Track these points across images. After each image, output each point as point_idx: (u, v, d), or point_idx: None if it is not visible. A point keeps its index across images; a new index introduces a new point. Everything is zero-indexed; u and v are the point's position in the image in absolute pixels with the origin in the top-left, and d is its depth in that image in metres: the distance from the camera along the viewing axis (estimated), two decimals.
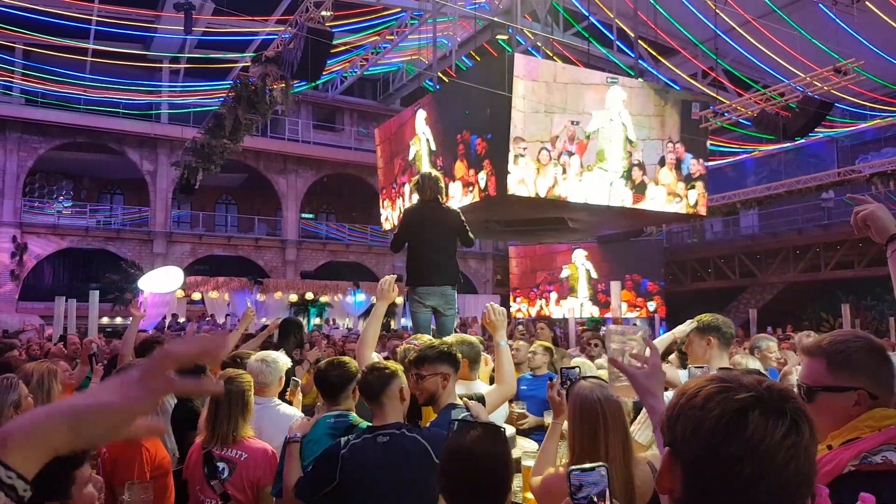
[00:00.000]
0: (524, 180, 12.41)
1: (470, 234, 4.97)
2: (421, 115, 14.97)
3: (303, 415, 3.65)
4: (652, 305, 22.26)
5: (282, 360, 3.69)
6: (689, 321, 3.42)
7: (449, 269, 4.85)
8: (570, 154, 12.96)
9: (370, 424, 2.67)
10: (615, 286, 9.66)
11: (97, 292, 8.94)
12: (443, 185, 4.99)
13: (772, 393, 0.86)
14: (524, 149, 12.28)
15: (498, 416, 3.21)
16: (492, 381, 3.49)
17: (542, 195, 12.68)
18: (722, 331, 3.27)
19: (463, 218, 5.02)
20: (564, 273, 23.32)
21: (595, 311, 22.50)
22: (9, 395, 2.63)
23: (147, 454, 3.00)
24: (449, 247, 4.88)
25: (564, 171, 12.85)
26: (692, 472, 0.84)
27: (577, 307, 21.63)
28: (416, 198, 5.00)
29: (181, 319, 18.62)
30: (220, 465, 2.89)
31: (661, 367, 1.68)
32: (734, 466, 0.81)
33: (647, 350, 1.69)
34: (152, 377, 0.83)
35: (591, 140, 13.13)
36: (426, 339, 3.55)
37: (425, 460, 2.44)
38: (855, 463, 1.53)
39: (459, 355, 2.86)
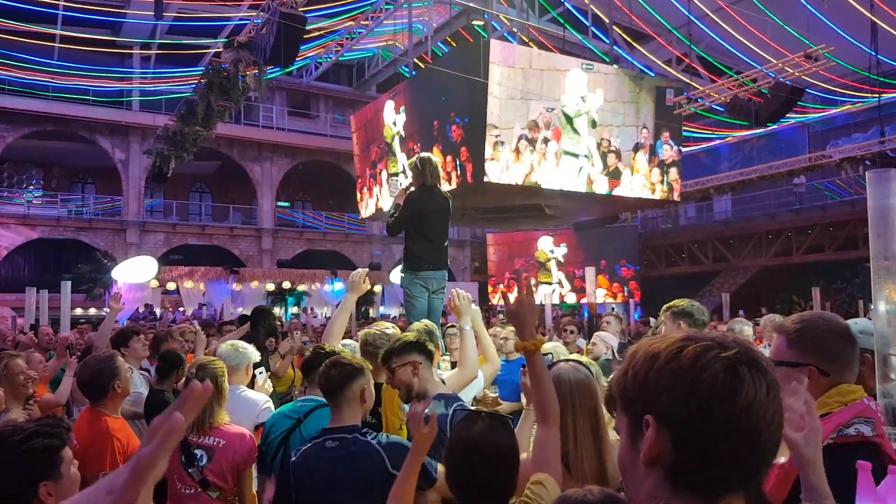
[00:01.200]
0: (501, 167, 12.43)
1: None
2: (389, 105, 15.05)
3: (269, 400, 3.65)
4: (626, 291, 22.48)
5: (252, 350, 3.69)
6: None
7: (446, 253, 5.02)
8: (547, 141, 13.01)
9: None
10: (590, 272, 9.72)
11: (69, 283, 8.79)
12: (439, 168, 5.03)
13: (748, 349, 0.86)
14: (497, 136, 12.29)
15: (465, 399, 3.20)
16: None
17: (520, 183, 12.72)
18: (694, 317, 3.32)
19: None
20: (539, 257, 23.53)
21: (572, 298, 22.68)
22: None
23: (118, 444, 2.99)
24: (447, 232, 5.03)
25: (544, 157, 12.90)
26: (685, 438, 0.82)
27: (550, 293, 21.77)
28: (405, 180, 5.05)
29: (156, 310, 18.42)
30: (198, 452, 2.89)
31: (820, 431, 1.33)
32: (732, 426, 0.81)
33: (801, 402, 1.33)
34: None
35: (563, 129, 13.19)
36: (386, 325, 3.55)
37: (378, 470, 2.28)
38: (833, 436, 1.62)
39: (431, 345, 2.77)
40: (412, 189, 4.97)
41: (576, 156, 13.34)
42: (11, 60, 20.68)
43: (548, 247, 23.37)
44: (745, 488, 0.83)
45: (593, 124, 13.50)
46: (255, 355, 3.74)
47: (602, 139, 13.68)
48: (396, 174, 14.85)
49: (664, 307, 3.49)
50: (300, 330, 7.99)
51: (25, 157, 24.23)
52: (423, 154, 5.07)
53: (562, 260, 23.11)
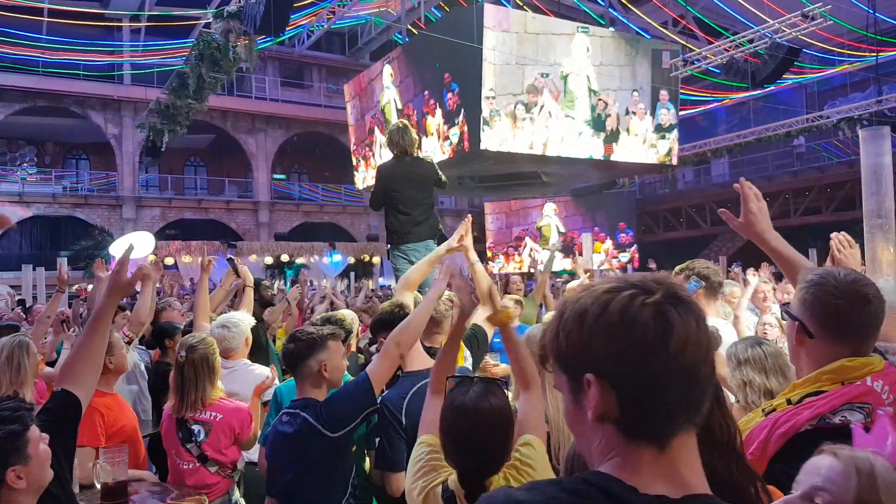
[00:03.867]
0: (497, 135, 12.34)
1: (443, 177, 4.93)
2: (387, 70, 14.76)
3: (270, 366, 3.66)
4: (625, 256, 22.49)
5: (244, 320, 3.65)
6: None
7: (430, 221, 4.79)
8: (543, 106, 12.90)
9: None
10: (587, 238, 9.74)
11: (65, 259, 8.79)
12: (413, 135, 4.88)
13: (670, 287, 0.85)
14: (493, 100, 12.17)
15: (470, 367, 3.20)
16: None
17: (517, 151, 12.64)
18: (710, 279, 3.22)
19: (435, 164, 4.98)
20: (541, 222, 23.43)
21: (567, 264, 22.69)
22: None
23: (101, 419, 2.96)
24: (427, 200, 4.83)
25: (541, 123, 12.79)
26: (628, 390, 0.82)
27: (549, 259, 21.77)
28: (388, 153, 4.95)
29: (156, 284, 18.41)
30: (196, 427, 2.90)
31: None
32: (672, 369, 0.81)
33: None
34: None
35: (562, 93, 13.06)
36: (344, 314, 3.55)
37: (315, 438, 2.28)
38: (813, 423, 1.50)
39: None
40: (383, 162, 4.89)
41: (573, 119, 13.24)
42: (0, 36, 20.39)
43: (549, 213, 23.27)
44: (692, 423, 0.85)
45: (592, 91, 13.38)
46: (250, 322, 3.71)
47: (599, 101, 13.57)
48: None
49: (677, 268, 3.39)
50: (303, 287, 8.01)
51: (18, 133, 24.03)
52: (397, 122, 4.98)
53: (563, 229, 23.03)
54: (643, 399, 0.82)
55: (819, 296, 1.57)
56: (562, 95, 13.08)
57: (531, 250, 22.91)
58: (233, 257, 4.89)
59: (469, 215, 3.64)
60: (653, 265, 16.30)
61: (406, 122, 5.04)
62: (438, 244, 4.77)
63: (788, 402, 1.57)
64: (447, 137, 12.92)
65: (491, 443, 1.76)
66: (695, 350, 0.82)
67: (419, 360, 2.62)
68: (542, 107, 12.84)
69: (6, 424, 1.75)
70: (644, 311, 0.81)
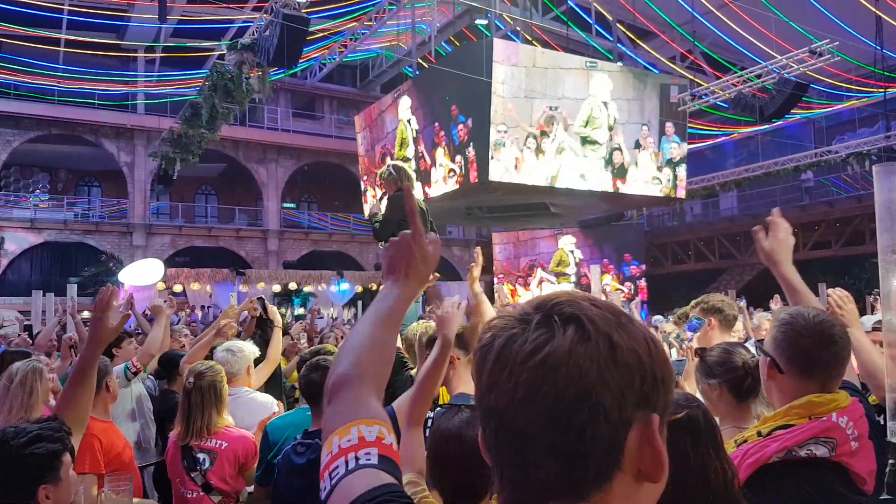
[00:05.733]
0: (505, 167, 12.41)
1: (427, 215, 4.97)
2: (405, 101, 14.81)
3: (276, 401, 3.65)
4: (633, 288, 22.39)
5: (248, 348, 3.66)
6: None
7: None
8: (553, 138, 12.98)
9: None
10: (595, 269, 9.74)
11: (75, 286, 8.83)
12: (410, 172, 5.04)
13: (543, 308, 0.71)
14: (504, 133, 12.26)
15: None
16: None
17: (526, 182, 12.70)
18: (724, 312, 3.23)
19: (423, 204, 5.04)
20: (554, 259, 23.30)
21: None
22: None
23: (99, 445, 2.93)
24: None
25: (551, 154, 12.86)
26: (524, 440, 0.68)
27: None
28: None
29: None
30: (201, 455, 2.89)
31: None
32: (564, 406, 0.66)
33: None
34: None
35: (571, 125, 13.15)
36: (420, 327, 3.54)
37: None
38: (780, 455, 1.56)
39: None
40: (394, 193, 4.85)
41: (594, 153, 13.30)
42: (17, 65, 20.78)
43: (569, 246, 23.18)
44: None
45: (610, 128, 13.51)
46: (253, 353, 3.72)
47: (611, 137, 13.68)
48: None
49: (692, 303, 3.38)
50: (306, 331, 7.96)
51: (32, 161, 24.33)
52: (394, 162, 5.05)
53: (581, 258, 22.86)
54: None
55: (788, 334, 1.68)
56: (573, 128, 13.16)
57: (541, 280, 22.86)
58: (262, 297, 4.89)
59: (478, 247, 3.68)
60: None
61: (400, 163, 5.13)
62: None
63: (759, 434, 1.64)
64: (454, 169, 13.01)
65: (471, 471, 1.73)
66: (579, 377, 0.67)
67: (465, 383, 2.62)
68: (553, 139, 12.91)
69: (48, 443, 1.80)
70: (523, 354, 0.69)
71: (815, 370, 1.65)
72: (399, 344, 3.20)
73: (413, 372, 3.25)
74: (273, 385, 4.01)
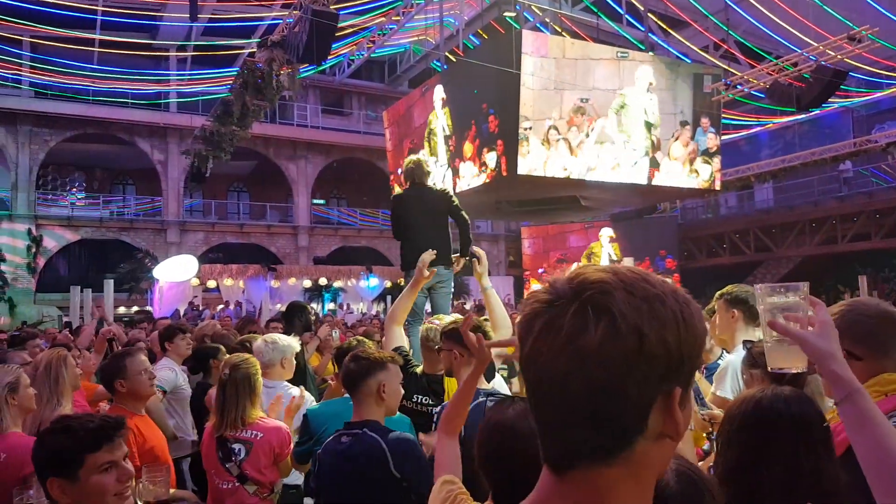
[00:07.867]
0: (535, 159, 12.30)
1: (462, 212, 5.02)
2: (439, 92, 14.57)
3: (312, 398, 3.64)
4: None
5: (283, 341, 3.61)
6: None
7: (443, 248, 4.78)
8: (587, 131, 12.83)
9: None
10: (627, 263, 9.60)
11: (112, 282, 8.98)
12: (426, 168, 5.09)
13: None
14: (528, 128, 12.13)
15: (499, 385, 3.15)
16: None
17: (554, 174, 12.57)
18: (749, 304, 3.06)
19: (453, 197, 5.07)
20: (585, 253, 23.11)
21: None
22: (4, 378, 2.64)
23: (133, 438, 2.93)
24: (438, 228, 4.91)
25: (579, 147, 12.72)
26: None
27: None
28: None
29: (201, 307, 18.73)
30: (236, 446, 2.89)
31: (832, 325, 1.32)
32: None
33: (810, 308, 1.34)
34: None
35: (606, 118, 12.97)
36: (447, 318, 3.52)
37: (380, 468, 2.31)
38: None
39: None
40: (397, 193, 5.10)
41: (632, 147, 13.14)
42: (52, 66, 21.19)
43: (605, 240, 22.97)
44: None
45: (648, 126, 13.34)
46: (294, 347, 3.68)
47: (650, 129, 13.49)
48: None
49: (717, 294, 3.24)
50: (334, 326, 7.96)
51: (68, 160, 24.82)
52: (411, 157, 5.13)
53: (615, 257, 22.63)
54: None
55: (858, 320, 1.71)
56: (612, 120, 12.98)
57: None
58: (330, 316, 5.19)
59: (478, 252, 3.88)
60: None
61: (419, 157, 5.19)
62: (464, 269, 4.79)
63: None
64: (484, 163, 12.92)
65: (525, 463, 1.70)
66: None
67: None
68: (589, 131, 12.74)
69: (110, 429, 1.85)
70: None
71: (890, 352, 1.69)
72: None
73: (418, 370, 3.26)
74: (297, 374, 4.00)
